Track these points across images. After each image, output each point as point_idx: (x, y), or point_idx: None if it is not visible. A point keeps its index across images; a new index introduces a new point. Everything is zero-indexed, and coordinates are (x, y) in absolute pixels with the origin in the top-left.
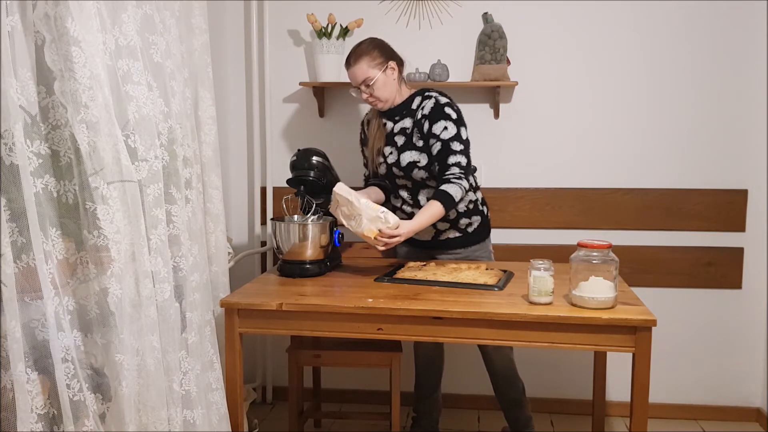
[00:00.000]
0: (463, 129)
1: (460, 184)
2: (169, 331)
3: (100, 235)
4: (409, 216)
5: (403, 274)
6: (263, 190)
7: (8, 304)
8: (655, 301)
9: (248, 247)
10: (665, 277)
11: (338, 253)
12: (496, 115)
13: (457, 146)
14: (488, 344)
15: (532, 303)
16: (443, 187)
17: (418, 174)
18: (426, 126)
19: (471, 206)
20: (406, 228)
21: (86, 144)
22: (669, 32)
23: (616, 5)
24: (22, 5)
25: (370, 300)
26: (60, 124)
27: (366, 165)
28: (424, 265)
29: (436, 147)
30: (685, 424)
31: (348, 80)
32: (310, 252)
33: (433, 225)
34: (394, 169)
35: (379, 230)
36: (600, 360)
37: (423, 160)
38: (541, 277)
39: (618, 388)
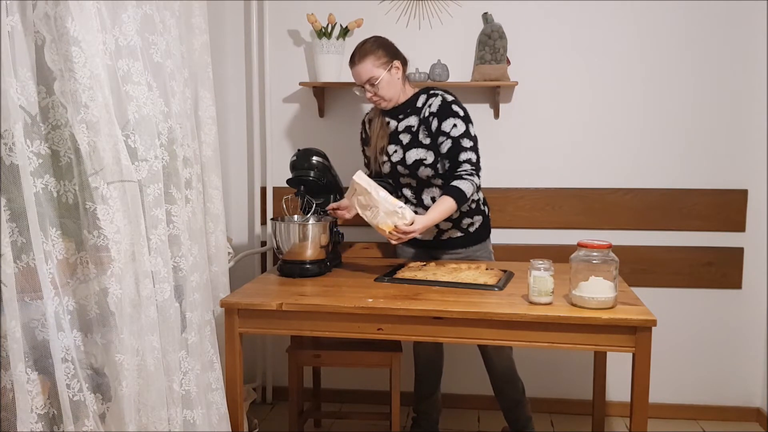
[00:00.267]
0: (471, 126)
1: (472, 181)
2: (169, 331)
3: (100, 235)
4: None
5: (403, 274)
6: (263, 190)
7: (8, 304)
8: (655, 301)
9: (248, 247)
10: (665, 277)
11: (338, 253)
12: (496, 115)
13: (467, 143)
14: (488, 344)
15: (532, 303)
16: (455, 183)
17: (424, 172)
18: (434, 123)
19: (473, 206)
20: (420, 224)
21: (86, 144)
22: (669, 32)
23: (616, 5)
24: (22, 5)
25: (370, 300)
26: (60, 124)
27: (367, 164)
28: (424, 265)
29: (446, 144)
30: (685, 424)
31: (348, 80)
32: (310, 252)
33: (436, 225)
34: (399, 168)
35: (395, 225)
36: (600, 360)
37: (429, 157)
38: (541, 277)
39: (618, 388)
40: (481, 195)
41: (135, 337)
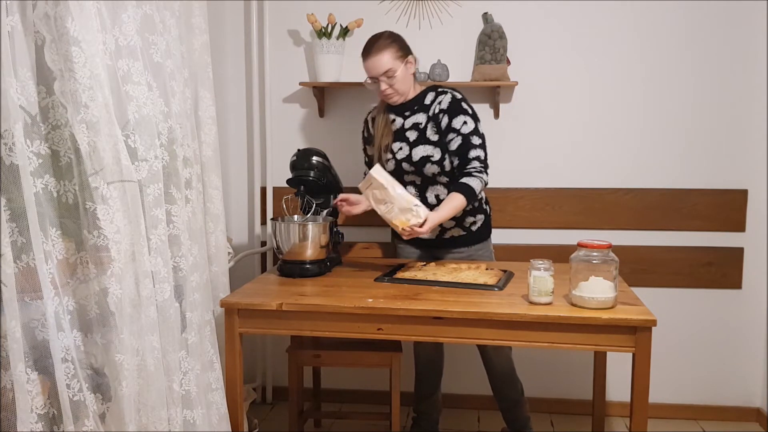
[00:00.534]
0: (479, 124)
1: (481, 178)
2: (169, 331)
3: (100, 235)
4: None
5: (403, 274)
6: (263, 190)
7: (8, 304)
8: (655, 301)
9: (248, 247)
10: (665, 277)
11: (338, 253)
12: (496, 115)
13: (476, 140)
14: (488, 344)
15: (532, 303)
16: (465, 180)
17: (431, 169)
18: (444, 120)
19: (476, 204)
20: (432, 221)
21: (86, 144)
22: (669, 32)
23: (616, 5)
24: (22, 5)
25: (370, 300)
26: (60, 124)
27: (367, 163)
28: (424, 265)
29: (456, 141)
30: (685, 424)
31: (348, 80)
32: (310, 252)
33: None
34: (404, 165)
35: (409, 222)
36: (600, 360)
37: (437, 154)
38: (541, 277)
39: (618, 388)
40: (483, 194)
41: (135, 337)
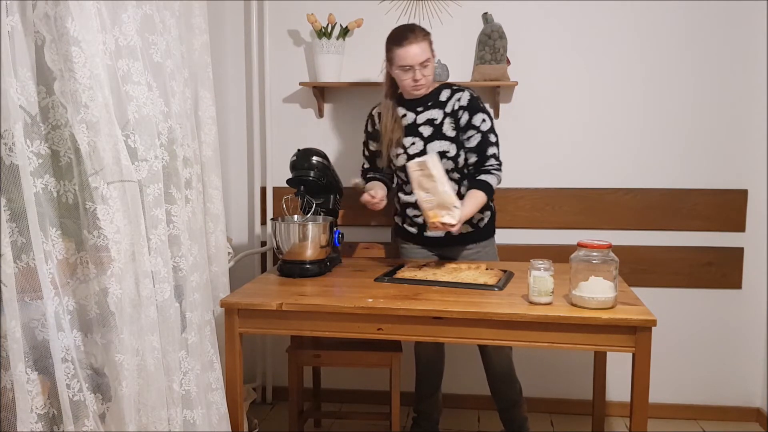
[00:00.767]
0: (493, 122)
1: (498, 176)
2: (169, 331)
3: (100, 235)
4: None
5: (403, 274)
6: (263, 190)
7: (8, 304)
8: (655, 301)
9: (248, 247)
10: (665, 277)
11: (338, 253)
12: (496, 115)
13: (493, 138)
14: (488, 344)
15: (532, 303)
16: (483, 177)
17: (445, 165)
18: (465, 117)
19: None
20: (461, 221)
21: (86, 144)
22: (669, 32)
23: (617, 5)
24: (22, 5)
25: (370, 300)
26: (60, 124)
27: (368, 158)
28: (424, 265)
29: (476, 138)
30: (685, 424)
31: (348, 80)
32: (310, 252)
33: None
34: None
35: (442, 219)
36: (600, 360)
37: (452, 150)
38: (541, 277)
39: (618, 388)
40: None
41: (135, 337)
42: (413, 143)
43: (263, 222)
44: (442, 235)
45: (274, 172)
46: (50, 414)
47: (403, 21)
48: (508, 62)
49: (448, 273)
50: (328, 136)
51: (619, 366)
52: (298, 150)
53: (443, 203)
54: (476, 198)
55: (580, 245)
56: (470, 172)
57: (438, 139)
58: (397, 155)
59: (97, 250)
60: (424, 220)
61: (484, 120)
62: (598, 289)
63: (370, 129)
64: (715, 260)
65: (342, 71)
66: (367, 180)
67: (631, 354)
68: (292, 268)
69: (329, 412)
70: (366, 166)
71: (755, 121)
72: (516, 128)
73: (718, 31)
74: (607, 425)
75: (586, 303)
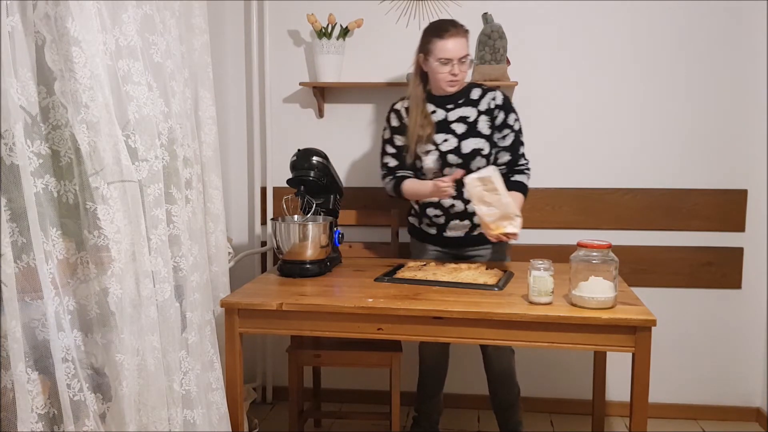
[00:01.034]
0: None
1: (529, 175)
2: (169, 331)
3: (101, 235)
4: (447, 208)
5: (403, 274)
6: (263, 190)
7: (8, 303)
8: (655, 301)
9: (248, 247)
10: (665, 277)
11: (338, 253)
12: None
13: (523, 138)
14: (488, 344)
15: (532, 303)
16: (519, 178)
17: (478, 162)
18: (501, 116)
19: None
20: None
21: (86, 144)
22: (668, 32)
23: (617, 5)
24: (22, 5)
25: (370, 300)
26: (60, 124)
27: (394, 155)
28: (424, 264)
29: (510, 137)
30: (685, 424)
31: (348, 80)
32: (310, 252)
33: (470, 220)
34: (451, 156)
35: (504, 230)
36: (600, 360)
37: (486, 148)
38: (541, 277)
39: (618, 388)
40: None
41: (135, 337)
42: (446, 140)
43: (263, 222)
44: (462, 234)
45: (274, 172)
46: (50, 414)
47: (403, 21)
48: (508, 62)
49: (448, 273)
50: (328, 136)
51: (619, 366)
52: (298, 150)
53: (506, 214)
54: (518, 200)
55: (580, 245)
56: (501, 171)
57: (472, 137)
58: (427, 152)
59: (98, 250)
60: (445, 220)
61: (516, 120)
62: (598, 289)
63: (395, 124)
64: (714, 260)
65: (342, 71)
66: (398, 178)
67: (630, 354)
68: (292, 268)
69: (329, 412)
70: (392, 164)
71: (755, 121)
72: None
73: (718, 31)
74: (607, 425)
75: (586, 303)
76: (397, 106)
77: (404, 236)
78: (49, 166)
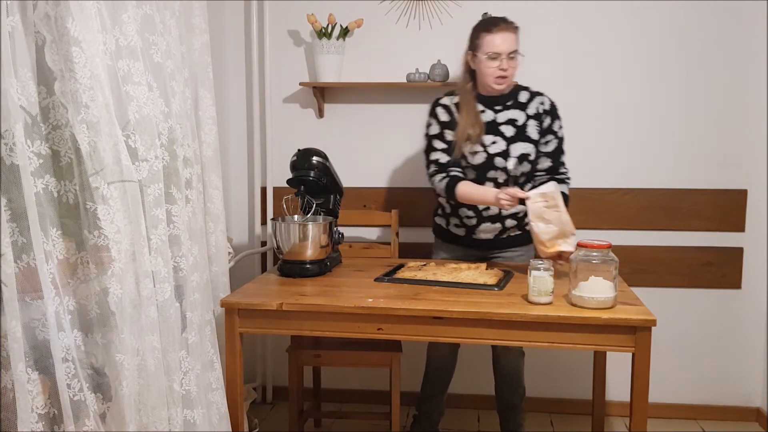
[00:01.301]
0: None
1: (569, 184)
2: (169, 331)
3: (101, 235)
4: (481, 210)
5: (403, 274)
6: (263, 190)
7: (9, 303)
8: (655, 301)
9: (248, 247)
10: (665, 277)
11: (338, 253)
12: None
13: (564, 146)
14: (489, 344)
15: (532, 303)
16: (564, 189)
17: (523, 167)
18: (547, 121)
19: None
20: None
21: (87, 144)
22: (668, 32)
23: (616, 5)
24: (22, 5)
25: (370, 300)
26: (60, 125)
27: (446, 150)
28: (424, 264)
29: (553, 144)
30: (685, 424)
31: (348, 80)
32: (310, 252)
33: (501, 222)
34: (498, 159)
35: (559, 248)
36: (600, 360)
37: (533, 153)
38: (541, 277)
39: (618, 388)
40: None
41: (135, 337)
42: (494, 142)
43: (263, 222)
44: (491, 237)
45: (274, 172)
46: (51, 414)
47: (404, 21)
48: None
49: (448, 273)
50: (328, 136)
51: (619, 366)
52: (298, 150)
53: (564, 231)
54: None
55: (580, 245)
56: (540, 177)
57: (521, 141)
58: (475, 153)
59: (98, 250)
60: (477, 222)
61: (561, 126)
62: (598, 289)
63: (445, 118)
64: (714, 260)
65: (342, 71)
66: (452, 178)
67: (630, 354)
68: (292, 268)
69: (329, 412)
70: (443, 159)
71: (755, 121)
72: None
73: (718, 31)
74: (607, 425)
75: (586, 303)
76: (445, 101)
77: (404, 236)
78: (49, 166)
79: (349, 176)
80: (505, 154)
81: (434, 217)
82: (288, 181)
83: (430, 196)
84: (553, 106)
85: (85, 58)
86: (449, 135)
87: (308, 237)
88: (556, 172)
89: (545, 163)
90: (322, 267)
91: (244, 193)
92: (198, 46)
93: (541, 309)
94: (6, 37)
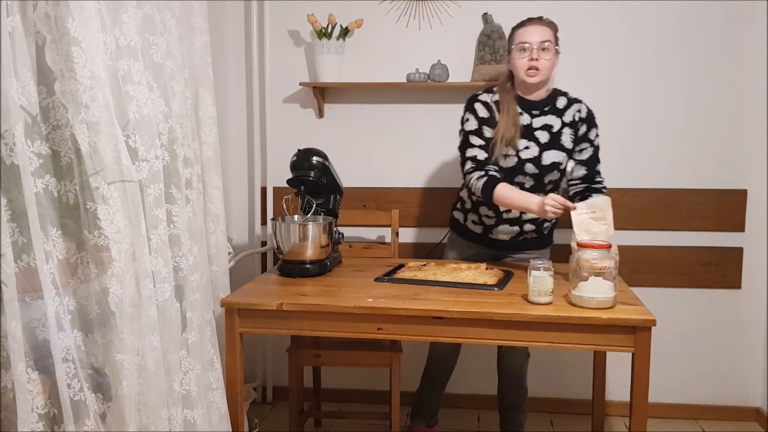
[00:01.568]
0: None
1: (605, 194)
2: (169, 331)
3: (101, 235)
4: (502, 212)
5: (403, 274)
6: (263, 190)
7: (9, 303)
8: (655, 301)
9: (248, 247)
10: (665, 277)
11: (338, 253)
12: None
13: (600, 155)
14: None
15: (532, 303)
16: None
17: (553, 176)
18: (583, 129)
19: None
20: None
21: (87, 144)
22: (668, 31)
23: (617, 6)
24: (22, 5)
25: (370, 300)
26: (61, 125)
27: (483, 147)
28: (424, 264)
29: (588, 152)
30: (685, 424)
31: (348, 80)
32: (311, 252)
33: (519, 226)
34: (528, 166)
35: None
36: (600, 360)
37: (564, 162)
38: (541, 277)
39: (618, 387)
40: None
41: (135, 337)
42: (527, 147)
43: (263, 222)
44: (507, 238)
45: (274, 172)
46: (51, 414)
47: (404, 21)
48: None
49: (448, 273)
50: (328, 136)
51: (619, 366)
52: (298, 150)
53: (608, 236)
54: None
55: (580, 245)
56: (575, 186)
57: (554, 149)
58: (506, 156)
59: (98, 250)
60: (495, 222)
61: (597, 135)
62: (598, 289)
63: (484, 114)
64: (714, 260)
65: (342, 71)
66: (491, 178)
67: (630, 354)
68: (292, 268)
69: (329, 412)
70: (481, 156)
71: (755, 121)
72: None
73: (717, 31)
74: (606, 425)
75: (586, 303)
76: (484, 98)
77: (404, 236)
78: (49, 166)
79: (349, 176)
80: (536, 161)
81: (452, 211)
82: (288, 181)
83: (430, 196)
84: (590, 113)
85: (86, 58)
86: (488, 132)
87: (308, 237)
88: (591, 181)
89: (580, 171)
90: (322, 267)
91: (244, 193)
92: (198, 47)
93: (541, 309)
94: (6, 37)
